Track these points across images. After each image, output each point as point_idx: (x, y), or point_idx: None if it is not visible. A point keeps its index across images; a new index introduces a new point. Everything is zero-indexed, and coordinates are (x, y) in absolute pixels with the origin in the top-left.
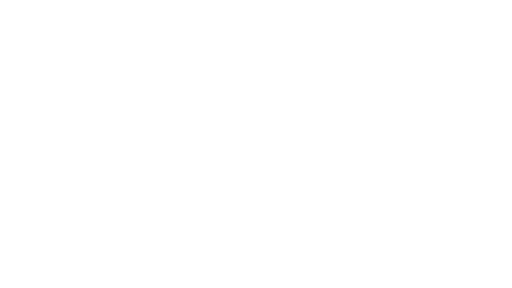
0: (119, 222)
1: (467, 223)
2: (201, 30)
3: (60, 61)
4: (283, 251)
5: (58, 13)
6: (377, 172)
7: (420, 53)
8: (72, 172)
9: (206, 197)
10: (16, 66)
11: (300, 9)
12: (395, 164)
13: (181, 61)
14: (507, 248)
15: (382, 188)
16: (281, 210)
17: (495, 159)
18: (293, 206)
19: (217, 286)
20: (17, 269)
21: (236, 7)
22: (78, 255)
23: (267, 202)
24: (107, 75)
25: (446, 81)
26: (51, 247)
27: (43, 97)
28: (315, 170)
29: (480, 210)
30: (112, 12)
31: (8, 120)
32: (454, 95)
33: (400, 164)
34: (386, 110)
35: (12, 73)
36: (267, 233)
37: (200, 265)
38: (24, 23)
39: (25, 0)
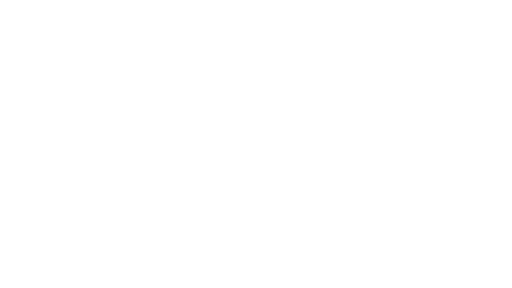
0: (119, 222)
1: (467, 223)
2: (201, 30)
3: (60, 61)
4: (282, 251)
5: (58, 13)
6: (377, 172)
7: (420, 53)
8: (72, 171)
9: (206, 197)
10: (16, 66)
11: (300, 9)
12: (395, 164)
13: (181, 61)
14: (507, 248)
15: (382, 188)
16: (280, 210)
17: (495, 159)
18: (292, 206)
19: (217, 286)
20: (17, 269)
21: (236, 7)
22: (78, 255)
23: (267, 202)
24: (107, 75)
25: (446, 81)
26: (51, 247)
27: (43, 97)
28: (315, 170)
29: (480, 210)
30: (112, 12)
31: (8, 120)
32: (454, 95)
33: (400, 164)
34: (386, 110)
35: (12, 73)
36: (266, 233)
37: (199, 265)
38: (24, 23)
39: (25, 0)
